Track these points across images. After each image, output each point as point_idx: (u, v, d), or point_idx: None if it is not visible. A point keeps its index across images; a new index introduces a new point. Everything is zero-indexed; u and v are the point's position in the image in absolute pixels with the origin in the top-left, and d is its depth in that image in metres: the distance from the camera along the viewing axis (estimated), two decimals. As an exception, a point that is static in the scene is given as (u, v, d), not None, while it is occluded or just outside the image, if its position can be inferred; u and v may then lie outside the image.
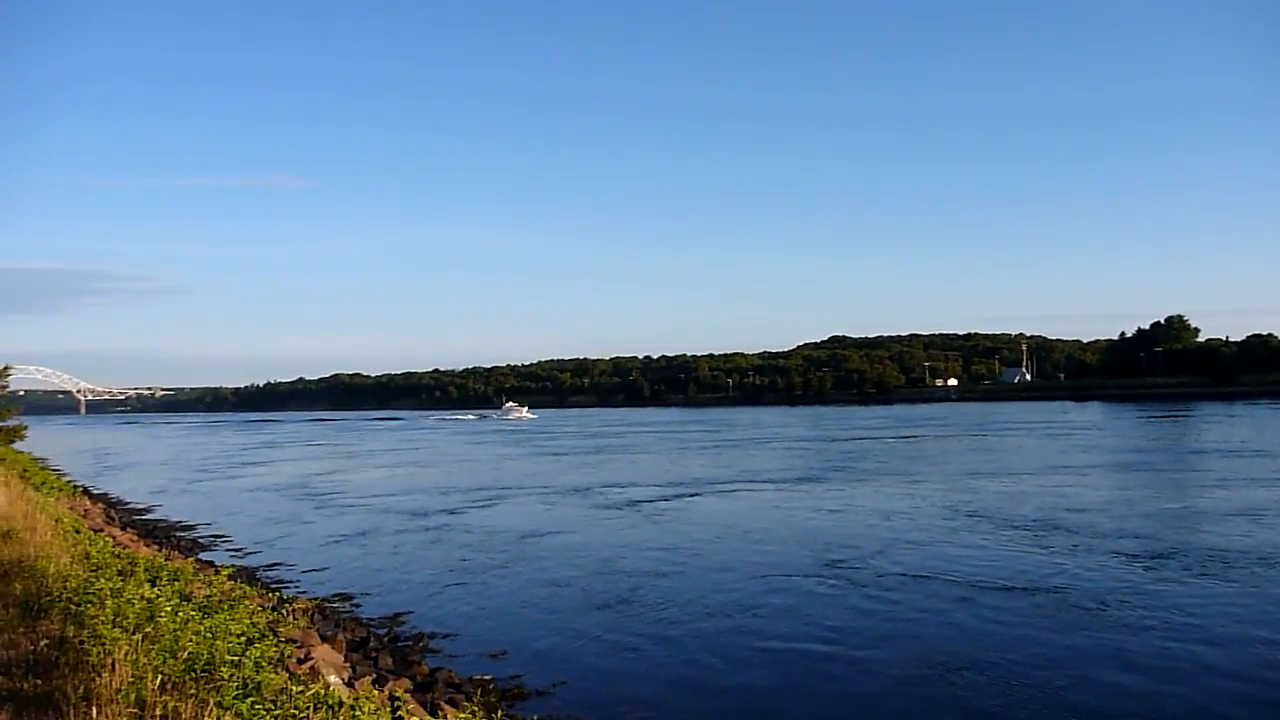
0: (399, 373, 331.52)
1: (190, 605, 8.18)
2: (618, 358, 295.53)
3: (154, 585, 9.47)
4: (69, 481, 39.42)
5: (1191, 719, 11.23)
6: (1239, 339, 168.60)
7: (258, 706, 5.85)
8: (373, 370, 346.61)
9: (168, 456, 77.52)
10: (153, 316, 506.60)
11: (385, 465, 59.87)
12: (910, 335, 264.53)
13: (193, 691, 6.08)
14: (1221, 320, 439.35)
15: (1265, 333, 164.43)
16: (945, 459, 50.66)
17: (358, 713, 6.01)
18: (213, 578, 11.55)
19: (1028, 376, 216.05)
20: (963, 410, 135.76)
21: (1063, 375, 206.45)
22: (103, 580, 8.74)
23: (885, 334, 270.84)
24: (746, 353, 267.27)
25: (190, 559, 21.39)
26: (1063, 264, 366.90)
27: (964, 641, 14.45)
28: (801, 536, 25.03)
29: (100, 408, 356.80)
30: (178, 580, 10.50)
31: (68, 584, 9.17)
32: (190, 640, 6.66)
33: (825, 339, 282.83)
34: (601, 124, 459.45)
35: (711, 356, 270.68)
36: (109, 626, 6.88)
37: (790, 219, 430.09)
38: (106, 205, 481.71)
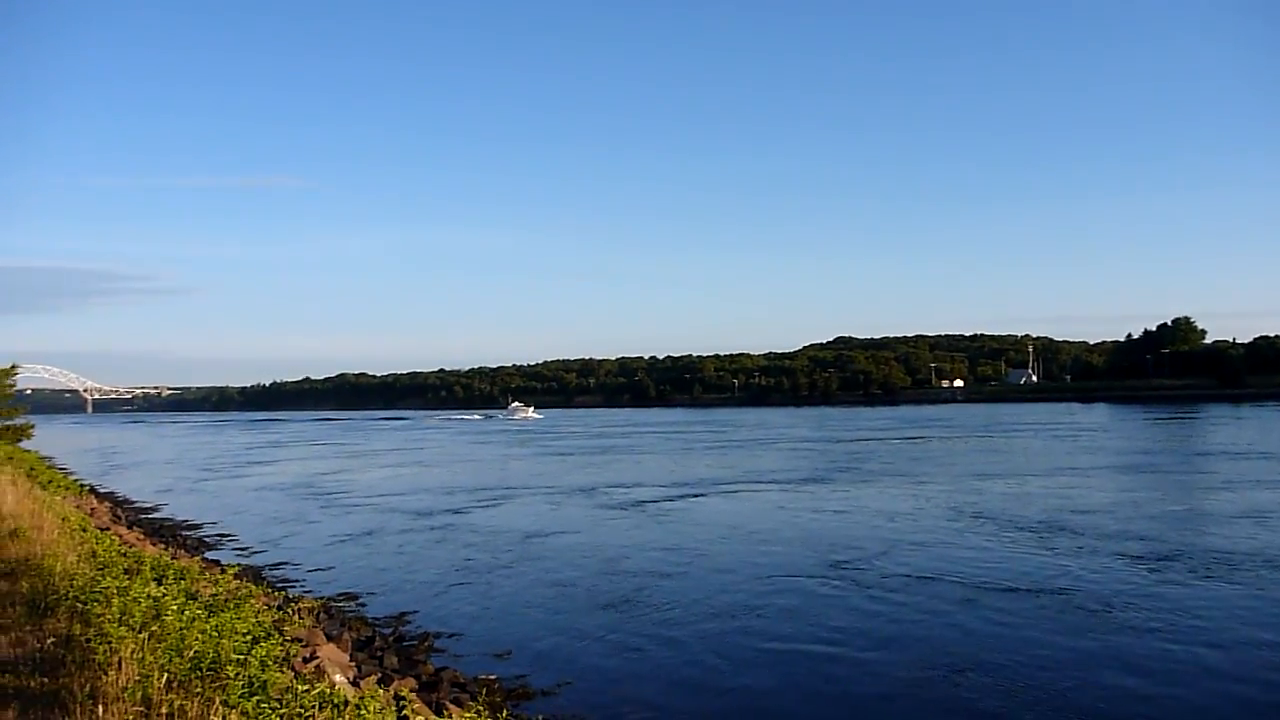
0: (404, 373, 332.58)
1: (196, 604, 8.20)
2: (623, 358, 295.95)
3: (160, 584, 9.49)
4: (76, 480, 39.63)
5: (1197, 722, 11.20)
6: (1246, 341, 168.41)
7: (263, 705, 5.86)
8: (378, 370, 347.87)
9: (174, 455, 77.72)
10: (157, 316, 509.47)
11: (390, 465, 59.92)
12: (916, 336, 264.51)
13: (198, 690, 6.11)
14: (1228, 322, 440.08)
15: (1272, 334, 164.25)
16: (951, 460, 50.55)
17: (363, 712, 6.01)
18: (218, 576, 11.57)
19: (1034, 378, 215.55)
20: (968, 411, 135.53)
21: (1069, 377, 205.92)
22: (109, 579, 8.78)
23: (891, 335, 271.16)
24: (752, 354, 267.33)
25: (196, 558, 21.50)
26: (1069, 265, 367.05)
27: (969, 643, 14.43)
28: (806, 537, 25.01)
29: (107, 407, 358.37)
30: (184, 579, 10.52)
31: (74, 582, 9.22)
32: (196, 639, 6.69)
33: (831, 340, 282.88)
34: (602, 124, 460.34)
35: (717, 357, 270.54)
36: (115, 625, 6.91)
37: (794, 220, 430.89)
38: (107, 205, 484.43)
